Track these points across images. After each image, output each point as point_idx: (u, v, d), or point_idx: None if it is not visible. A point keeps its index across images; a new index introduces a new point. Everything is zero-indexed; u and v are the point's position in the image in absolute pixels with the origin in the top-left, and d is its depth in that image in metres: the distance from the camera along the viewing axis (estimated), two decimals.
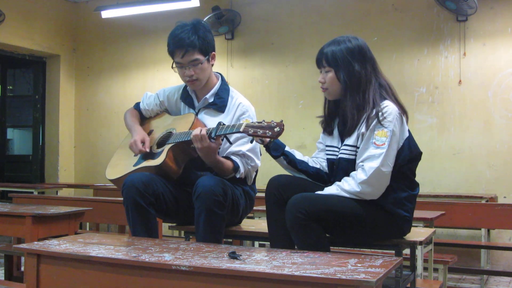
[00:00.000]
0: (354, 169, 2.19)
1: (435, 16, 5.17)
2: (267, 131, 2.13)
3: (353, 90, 2.20)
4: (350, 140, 2.21)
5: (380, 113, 2.13)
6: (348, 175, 2.18)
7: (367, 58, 2.25)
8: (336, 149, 2.30)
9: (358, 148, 2.18)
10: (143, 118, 2.84)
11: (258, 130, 2.14)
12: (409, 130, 2.23)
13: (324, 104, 2.39)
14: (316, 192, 2.17)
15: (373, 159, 2.10)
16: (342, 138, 2.29)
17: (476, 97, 5.00)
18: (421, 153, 2.26)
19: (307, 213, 2.02)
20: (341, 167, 2.24)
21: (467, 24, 5.03)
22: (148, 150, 2.55)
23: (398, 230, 2.21)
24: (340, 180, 2.19)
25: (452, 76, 5.09)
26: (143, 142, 2.56)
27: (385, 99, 2.19)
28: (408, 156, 2.18)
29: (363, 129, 2.16)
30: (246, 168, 2.53)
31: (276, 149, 2.34)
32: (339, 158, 2.25)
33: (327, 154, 2.36)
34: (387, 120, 2.12)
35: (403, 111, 2.22)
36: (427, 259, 3.39)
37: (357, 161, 2.17)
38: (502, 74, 4.90)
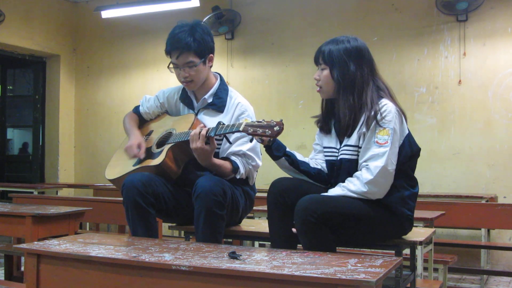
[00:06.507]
0: (356, 169, 2.17)
1: (435, 16, 5.17)
2: (267, 130, 2.12)
3: (346, 89, 2.20)
4: (351, 141, 2.20)
5: (379, 113, 2.13)
6: (350, 175, 2.17)
7: (364, 60, 2.24)
8: (335, 150, 2.29)
9: (360, 148, 2.17)
10: (143, 121, 2.83)
11: (258, 129, 2.13)
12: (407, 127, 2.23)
13: (321, 103, 2.39)
14: (322, 194, 2.14)
15: (378, 158, 2.08)
16: (340, 138, 2.28)
17: (476, 97, 5.00)
18: (420, 149, 2.26)
19: (317, 216, 1.99)
20: (343, 168, 2.22)
21: (467, 24, 5.03)
22: (142, 156, 2.55)
23: (400, 229, 2.21)
24: (343, 181, 2.17)
25: (452, 76, 5.09)
26: (139, 148, 2.57)
27: (382, 98, 2.19)
28: (409, 153, 2.18)
29: (363, 129, 2.15)
30: (247, 168, 2.52)
31: (278, 149, 2.30)
32: (340, 159, 2.23)
33: (326, 156, 2.34)
34: (387, 119, 2.12)
35: (401, 112, 2.22)
36: (427, 259, 3.39)
37: (360, 161, 2.15)
38: (502, 74, 4.90)
